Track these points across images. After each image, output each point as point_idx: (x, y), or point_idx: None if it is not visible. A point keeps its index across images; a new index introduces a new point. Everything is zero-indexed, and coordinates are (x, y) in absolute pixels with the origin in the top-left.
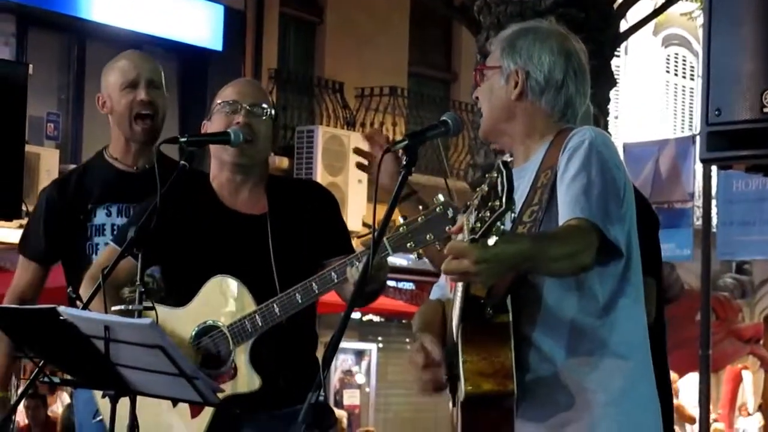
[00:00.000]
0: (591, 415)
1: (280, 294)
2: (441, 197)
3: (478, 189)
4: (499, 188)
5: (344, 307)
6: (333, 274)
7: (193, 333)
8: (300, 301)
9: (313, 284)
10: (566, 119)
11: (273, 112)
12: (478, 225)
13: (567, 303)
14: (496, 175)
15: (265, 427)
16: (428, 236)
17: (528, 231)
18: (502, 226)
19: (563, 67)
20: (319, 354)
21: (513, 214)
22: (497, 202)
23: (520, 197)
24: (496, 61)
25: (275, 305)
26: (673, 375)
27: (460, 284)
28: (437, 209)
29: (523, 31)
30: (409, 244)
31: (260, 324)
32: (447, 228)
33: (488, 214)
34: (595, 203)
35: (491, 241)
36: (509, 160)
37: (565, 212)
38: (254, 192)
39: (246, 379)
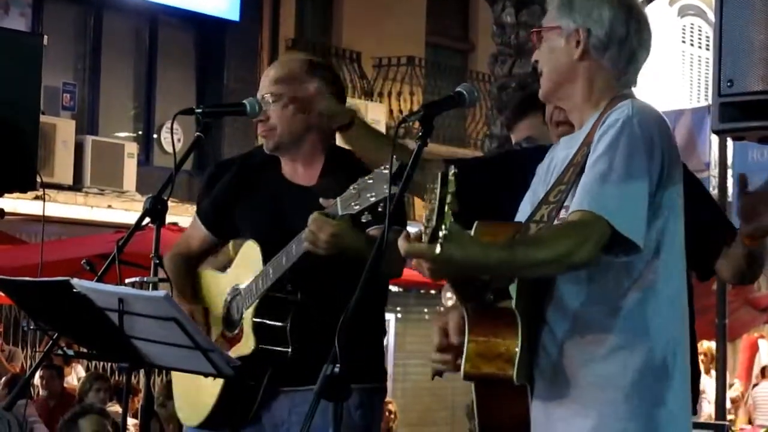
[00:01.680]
0: (599, 412)
1: (274, 257)
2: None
3: (428, 188)
4: (434, 201)
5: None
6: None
7: (227, 296)
8: (283, 263)
9: (293, 246)
10: (628, 77)
11: (289, 92)
12: (428, 230)
13: (583, 294)
14: (433, 184)
15: (287, 399)
16: (369, 196)
17: (550, 212)
18: (443, 232)
19: (625, 20)
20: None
21: (442, 232)
22: (433, 216)
23: (559, 172)
24: (553, 21)
25: (270, 267)
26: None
27: None
28: (382, 169)
29: None
30: (354, 204)
31: (261, 286)
32: (384, 186)
33: (433, 222)
34: (610, 193)
35: (437, 248)
36: (451, 171)
37: (575, 202)
38: (310, 164)
39: (246, 341)
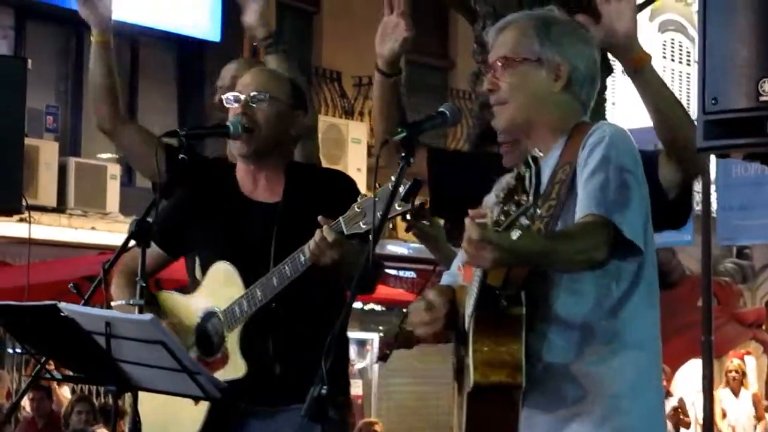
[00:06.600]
0: (601, 408)
1: (262, 278)
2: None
3: (505, 182)
4: (527, 183)
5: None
6: (302, 256)
7: (198, 319)
8: (276, 284)
9: (286, 267)
10: (586, 112)
11: (282, 97)
12: (503, 218)
13: (582, 298)
14: (524, 169)
15: (271, 420)
16: (380, 214)
17: (545, 225)
18: (527, 222)
19: (597, 60)
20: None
21: (539, 210)
22: (524, 197)
23: None
24: (527, 51)
25: (257, 289)
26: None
27: (477, 274)
28: (390, 186)
29: (552, 20)
30: (363, 223)
31: (246, 309)
32: (397, 205)
33: (514, 208)
34: (612, 200)
35: (515, 234)
36: (539, 155)
37: (582, 208)
38: (272, 179)
39: (233, 365)
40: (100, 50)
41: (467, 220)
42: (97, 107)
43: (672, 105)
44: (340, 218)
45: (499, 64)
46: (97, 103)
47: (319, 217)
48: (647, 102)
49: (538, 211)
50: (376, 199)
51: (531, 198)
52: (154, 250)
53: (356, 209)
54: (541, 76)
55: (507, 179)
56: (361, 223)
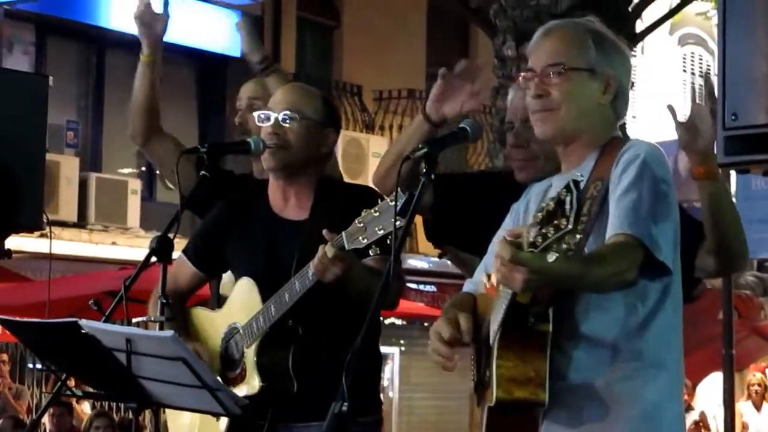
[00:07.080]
0: (622, 426)
1: (275, 294)
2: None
3: (544, 204)
4: (567, 208)
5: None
6: (309, 272)
7: (223, 335)
8: (287, 300)
9: (296, 283)
10: (617, 126)
11: (314, 115)
12: (540, 240)
13: (607, 317)
14: (565, 193)
15: None
16: (377, 229)
17: (578, 242)
18: (564, 245)
19: (631, 73)
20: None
21: (578, 236)
22: (563, 221)
23: None
24: (584, 61)
25: (272, 305)
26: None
27: (507, 291)
28: (390, 201)
29: (602, 31)
30: (362, 238)
31: (262, 325)
32: (392, 219)
33: (552, 231)
34: (644, 220)
35: (551, 257)
36: (581, 179)
37: (614, 226)
38: (301, 197)
39: (249, 381)
40: (147, 69)
41: (499, 240)
42: (133, 120)
43: (732, 221)
44: (343, 233)
45: (552, 70)
46: (134, 117)
47: (324, 231)
48: (707, 210)
49: (578, 236)
50: (376, 214)
51: (571, 223)
52: (190, 270)
53: (358, 224)
54: (593, 87)
55: (547, 202)
56: (360, 238)
